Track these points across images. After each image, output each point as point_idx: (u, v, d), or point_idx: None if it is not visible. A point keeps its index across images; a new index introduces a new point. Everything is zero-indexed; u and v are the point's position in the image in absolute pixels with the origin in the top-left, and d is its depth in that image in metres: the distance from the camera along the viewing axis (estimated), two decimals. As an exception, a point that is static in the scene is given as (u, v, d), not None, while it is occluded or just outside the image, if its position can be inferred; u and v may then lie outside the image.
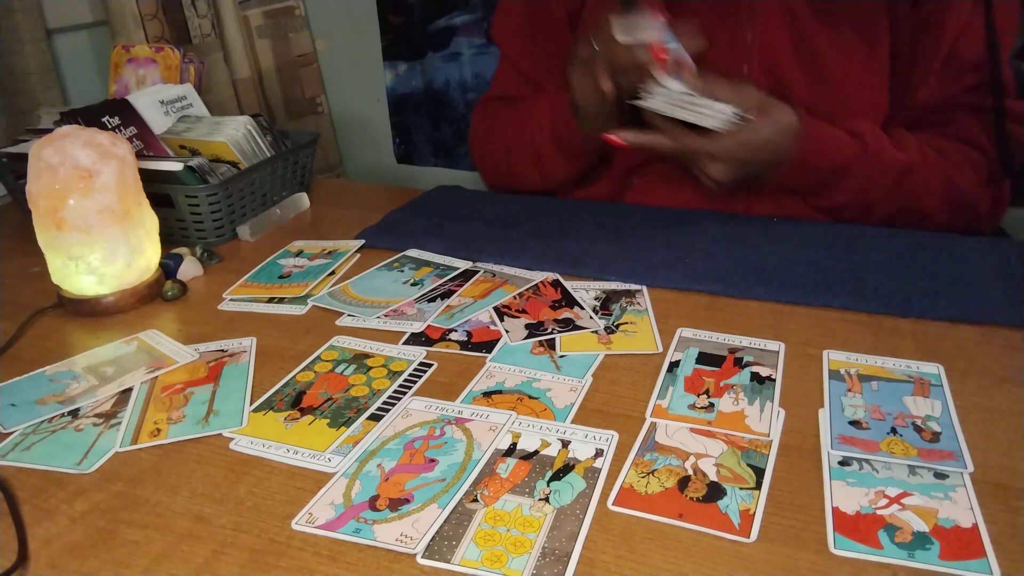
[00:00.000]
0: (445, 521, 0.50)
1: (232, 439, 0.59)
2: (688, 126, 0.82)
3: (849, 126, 0.87)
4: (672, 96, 0.80)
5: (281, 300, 0.80)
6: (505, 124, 1.05)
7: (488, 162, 1.11)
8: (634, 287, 0.79)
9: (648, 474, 0.53)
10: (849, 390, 0.62)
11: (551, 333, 0.71)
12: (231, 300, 0.81)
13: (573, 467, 0.54)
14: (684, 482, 0.53)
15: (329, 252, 0.90)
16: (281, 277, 0.85)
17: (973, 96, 0.90)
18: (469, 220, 0.95)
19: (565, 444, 0.57)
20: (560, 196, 1.06)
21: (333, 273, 0.85)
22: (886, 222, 0.90)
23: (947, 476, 0.52)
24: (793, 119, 0.84)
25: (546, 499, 0.51)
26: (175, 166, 0.90)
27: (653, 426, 0.58)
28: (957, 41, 0.87)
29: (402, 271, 0.84)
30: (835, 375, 0.64)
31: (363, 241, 0.91)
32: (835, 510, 0.50)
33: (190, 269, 0.86)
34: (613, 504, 0.51)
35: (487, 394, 0.63)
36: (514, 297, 0.78)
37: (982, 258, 0.80)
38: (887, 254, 0.81)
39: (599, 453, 0.56)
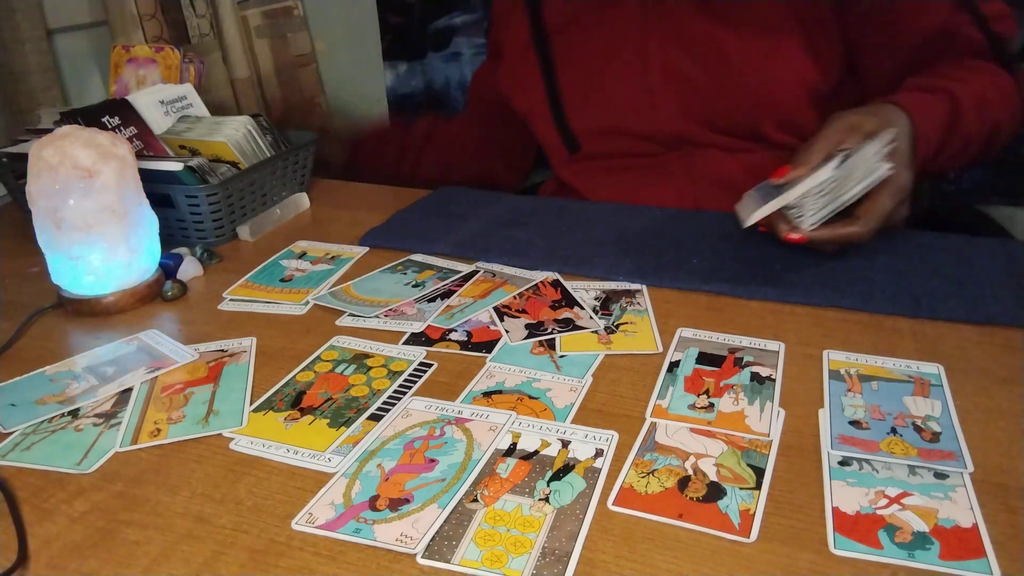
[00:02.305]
0: (445, 521, 0.50)
1: (232, 439, 0.59)
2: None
3: (923, 83, 0.85)
4: (827, 190, 0.73)
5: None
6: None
7: None
8: (634, 287, 0.79)
9: (648, 474, 0.53)
10: (849, 390, 0.62)
11: (551, 333, 0.71)
12: (231, 300, 0.81)
13: (573, 467, 0.54)
14: (684, 482, 0.53)
15: (332, 257, 0.89)
16: (283, 280, 0.84)
17: (952, 19, 0.90)
18: (474, 220, 0.96)
19: (565, 444, 0.57)
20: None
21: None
22: (973, 159, 0.89)
23: (947, 476, 0.52)
24: (899, 113, 0.80)
25: (546, 499, 0.51)
26: (175, 166, 0.90)
27: (653, 426, 0.58)
28: None
29: (405, 274, 0.84)
30: (835, 375, 0.64)
31: (367, 249, 0.91)
32: (835, 510, 0.50)
33: (190, 269, 0.86)
34: (613, 504, 0.51)
35: (487, 394, 0.63)
36: (514, 297, 0.78)
37: (990, 259, 0.80)
38: (894, 255, 0.81)
39: (599, 453, 0.56)
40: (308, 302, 0.79)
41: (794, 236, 0.75)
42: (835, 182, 0.73)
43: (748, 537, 0.48)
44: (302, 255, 0.90)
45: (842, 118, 0.78)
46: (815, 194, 0.73)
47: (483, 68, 1.22)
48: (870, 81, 0.97)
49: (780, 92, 0.94)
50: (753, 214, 0.75)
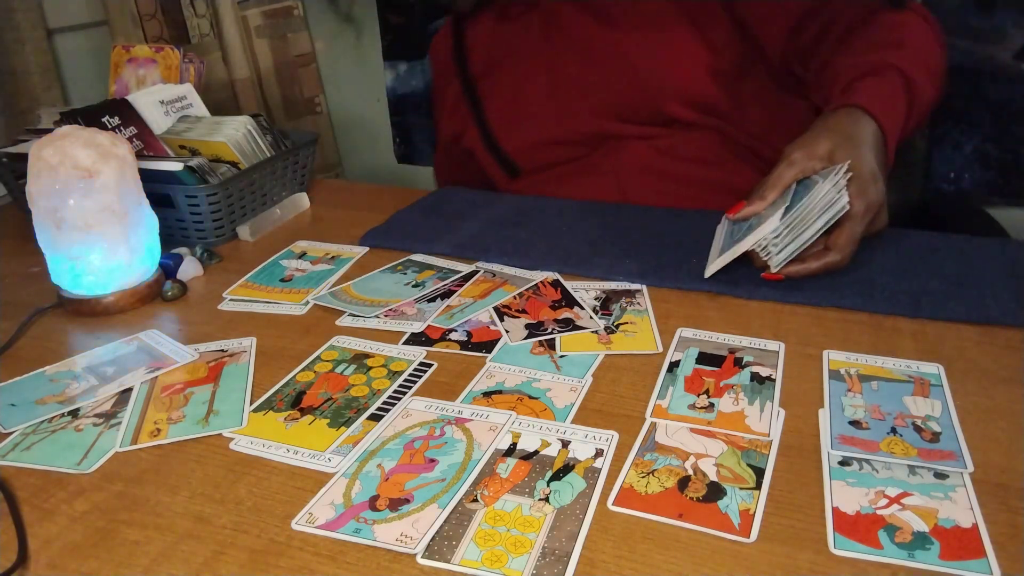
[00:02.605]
0: (445, 521, 0.50)
1: (232, 439, 0.59)
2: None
3: (866, 65, 0.86)
4: (785, 232, 0.73)
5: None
6: None
7: None
8: (634, 287, 0.79)
9: (648, 474, 0.53)
10: (849, 390, 0.62)
11: (551, 333, 0.71)
12: (231, 300, 0.81)
13: (573, 467, 0.54)
14: (684, 482, 0.53)
15: (332, 257, 0.89)
16: (283, 280, 0.85)
17: None
18: (474, 220, 0.96)
19: (565, 444, 0.57)
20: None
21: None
22: (929, 114, 0.90)
23: (947, 476, 0.52)
24: (859, 118, 0.80)
25: (546, 499, 0.51)
26: (175, 166, 0.90)
27: (653, 426, 0.58)
28: None
29: (405, 274, 0.84)
30: (835, 375, 0.64)
31: (367, 249, 0.91)
32: (835, 510, 0.50)
33: (190, 269, 0.86)
34: (613, 504, 0.51)
35: (487, 394, 0.63)
36: (514, 297, 0.78)
37: (990, 259, 0.80)
38: (894, 255, 0.81)
39: (599, 453, 0.56)
40: (308, 302, 0.79)
41: (770, 275, 0.76)
42: (791, 225, 0.73)
43: (748, 537, 0.48)
44: (302, 255, 0.90)
45: (796, 146, 0.78)
46: (773, 236, 0.74)
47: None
48: (769, 49, 0.99)
49: (678, 77, 1.00)
50: (711, 265, 0.77)
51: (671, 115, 1.01)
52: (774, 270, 0.75)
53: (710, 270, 0.77)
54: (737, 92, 1.00)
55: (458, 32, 1.17)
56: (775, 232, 0.73)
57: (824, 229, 0.73)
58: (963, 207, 1.22)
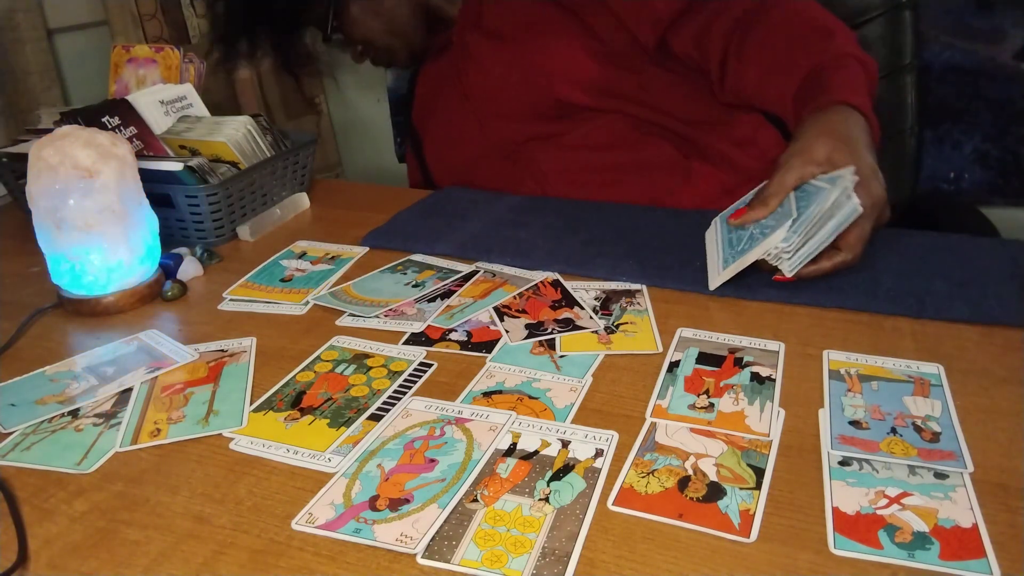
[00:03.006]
0: (445, 521, 0.50)
1: (232, 439, 0.59)
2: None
3: (826, 60, 0.88)
4: (797, 239, 0.73)
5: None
6: None
7: None
8: (634, 287, 0.79)
9: (648, 474, 0.53)
10: (849, 390, 0.62)
11: (551, 333, 0.71)
12: (231, 300, 0.81)
13: (573, 467, 0.54)
14: (684, 482, 0.53)
15: (332, 257, 0.89)
16: (283, 280, 0.84)
17: None
18: (474, 220, 0.96)
19: (565, 444, 0.57)
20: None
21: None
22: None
23: (947, 476, 0.52)
24: (847, 115, 0.81)
25: (546, 499, 0.51)
26: (175, 166, 0.90)
27: (653, 426, 0.58)
28: None
29: (405, 274, 0.84)
30: (835, 375, 0.64)
31: (367, 249, 0.91)
32: (835, 510, 0.50)
33: (190, 269, 0.86)
34: (613, 504, 0.51)
35: (487, 394, 0.63)
36: (514, 297, 0.78)
37: (992, 260, 0.80)
38: (894, 255, 0.81)
39: (599, 453, 0.56)
40: (308, 302, 0.79)
41: (782, 278, 0.75)
42: (801, 232, 0.73)
43: (748, 537, 0.48)
44: (302, 255, 0.90)
45: (793, 153, 0.78)
46: (784, 244, 0.73)
47: None
48: (643, 39, 1.02)
49: (561, 61, 1.04)
50: (715, 276, 0.77)
51: (567, 100, 1.05)
52: (788, 275, 0.74)
53: (715, 282, 0.76)
54: (638, 73, 1.04)
55: (412, 84, 1.30)
56: (786, 240, 0.73)
57: (836, 233, 0.73)
58: (955, 205, 1.23)
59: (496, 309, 0.76)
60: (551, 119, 1.08)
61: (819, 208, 0.72)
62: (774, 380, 0.63)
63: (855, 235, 0.75)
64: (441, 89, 1.20)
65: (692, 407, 0.60)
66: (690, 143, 1.07)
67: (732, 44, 0.97)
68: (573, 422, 0.59)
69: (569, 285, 0.79)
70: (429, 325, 0.74)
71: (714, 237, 0.82)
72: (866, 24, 1.22)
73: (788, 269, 0.74)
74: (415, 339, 0.72)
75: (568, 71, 1.04)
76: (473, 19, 1.14)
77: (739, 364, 0.66)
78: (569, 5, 1.05)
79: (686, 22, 1.00)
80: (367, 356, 0.69)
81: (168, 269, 0.85)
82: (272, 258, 0.90)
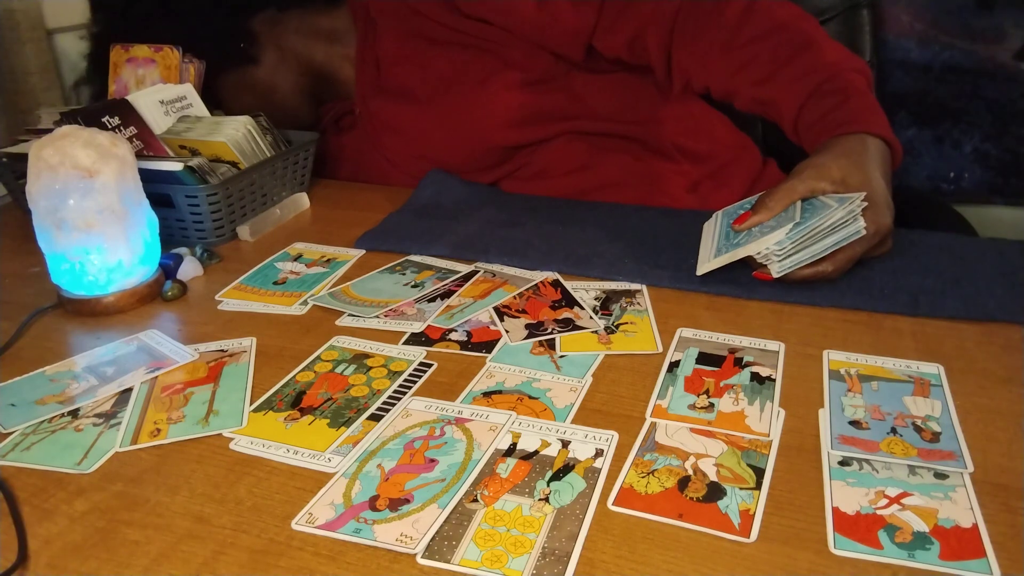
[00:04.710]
0: (445, 521, 0.50)
1: (232, 439, 0.59)
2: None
3: (833, 75, 0.87)
4: (791, 245, 0.73)
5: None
6: None
7: None
8: (634, 287, 0.79)
9: (648, 474, 0.53)
10: (849, 390, 0.62)
11: (551, 333, 0.71)
12: (224, 302, 0.81)
13: (573, 467, 0.54)
14: (684, 482, 0.53)
15: (328, 260, 0.89)
16: (276, 283, 0.84)
17: None
18: (471, 220, 0.95)
19: (565, 444, 0.57)
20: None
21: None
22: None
23: (947, 476, 0.52)
24: (865, 141, 0.80)
25: (546, 499, 0.51)
26: (175, 166, 0.90)
27: (653, 426, 0.58)
28: None
29: (404, 274, 0.84)
30: (835, 375, 0.64)
31: (363, 251, 0.91)
32: (835, 510, 0.50)
33: (190, 269, 0.86)
34: (613, 504, 0.51)
35: (487, 394, 0.63)
36: (514, 297, 0.78)
37: (983, 257, 0.80)
38: (891, 254, 0.81)
39: (599, 453, 0.56)
40: (307, 302, 0.79)
41: (761, 275, 0.76)
42: (797, 240, 0.73)
43: (748, 537, 0.48)
44: (298, 257, 0.90)
45: (808, 165, 0.78)
46: (777, 247, 0.73)
47: None
48: (573, 58, 1.00)
49: (492, 111, 1.01)
50: (704, 264, 0.77)
51: (503, 143, 1.03)
52: (775, 275, 0.75)
53: (703, 268, 0.77)
54: (565, 89, 1.01)
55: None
56: (779, 244, 0.73)
57: (832, 249, 0.73)
58: (930, 204, 1.22)
59: (496, 309, 0.76)
60: (495, 165, 1.06)
61: (820, 222, 0.72)
62: (774, 380, 0.63)
63: (845, 254, 0.75)
64: (363, 160, 1.15)
65: (692, 407, 0.60)
66: (644, 144, 1.04)
67: (676, 40, 0.95)
68: (573, 422, 0.59)
69: (569, 285, 0.79)
70: (429, 325, 0.74)
71: (712, 228, 0.83)
72: (824, 24, 1.22)
73: (774, 272, 0.74)
74: (415, 339, 0.72)
75: (495, 115, 1.01)
76: (371, 84, 1.10)
77: (739, 364, 0.66)
78: (478, 45, 1.02)
79: (615, 28, 0.97)
80: (367, 356, 0.69)
81: (168, 269, 0.85)
82: (267, 260, 0.89)
